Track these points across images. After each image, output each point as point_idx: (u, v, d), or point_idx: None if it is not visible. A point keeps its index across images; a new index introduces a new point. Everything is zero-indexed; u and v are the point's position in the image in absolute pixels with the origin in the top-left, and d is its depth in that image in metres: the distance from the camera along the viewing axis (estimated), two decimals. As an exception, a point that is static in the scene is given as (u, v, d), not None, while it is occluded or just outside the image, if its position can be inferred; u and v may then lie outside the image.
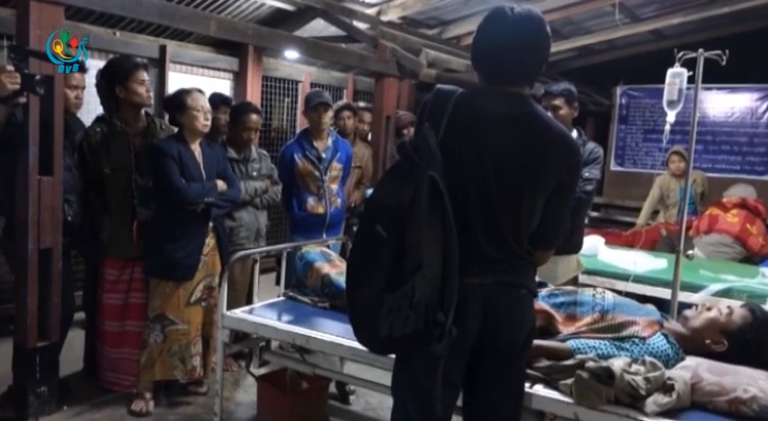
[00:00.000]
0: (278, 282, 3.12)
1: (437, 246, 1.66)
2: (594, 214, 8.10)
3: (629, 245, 5.09)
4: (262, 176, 3.66)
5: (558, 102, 3.07)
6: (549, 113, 3.10)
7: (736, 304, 2.23)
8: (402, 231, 1.68)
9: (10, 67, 2.44)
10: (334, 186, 4.01)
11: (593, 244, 4.29)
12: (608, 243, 4.60)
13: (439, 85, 1.86)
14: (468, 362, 1.83)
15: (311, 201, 3.92)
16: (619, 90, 8.23)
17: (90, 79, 3.35)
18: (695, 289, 3.64)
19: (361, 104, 5.48)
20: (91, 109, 3.68)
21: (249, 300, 3.27)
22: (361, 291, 1.76)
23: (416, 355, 1.78)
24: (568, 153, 1.83)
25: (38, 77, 2.47)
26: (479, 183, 1.75)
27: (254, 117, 3.57)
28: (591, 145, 3.18)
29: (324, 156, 3.92)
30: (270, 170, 3.75)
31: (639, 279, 3.79)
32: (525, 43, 1.78)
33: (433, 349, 1.67)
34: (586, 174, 3.05)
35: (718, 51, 2.95)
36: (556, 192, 1.81)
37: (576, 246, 3.23)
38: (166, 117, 3.20)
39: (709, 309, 2.17)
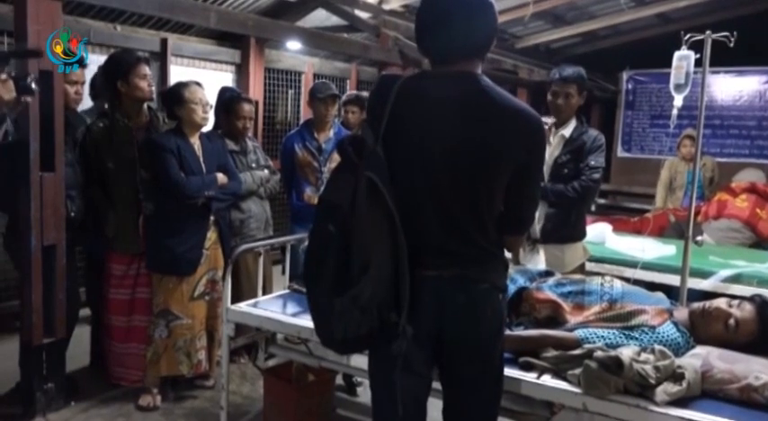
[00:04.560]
0: (284, 272, 3.10)
1: (385, 245, 1.58)
2: (601, 201, 8.05)
3: (637, 231, 5.05)
4: (261, 167, 3.68)
5: (571, 90, 3.00)
6: (560, 100, 3.05)
7: (746, 306, 2.06)
8: (350, 231, 1.60)
9: (3, 76, 2.32)
10: None
11: (600, 231, 4.25)
12: (615, 230, 4.56)
13: (383, 73, 1.79)
14: (440, 361, 1.77)
15: (308, 191, 3.92)
16: (625, 75, 8.15)
17: (90, 74, 3.33)
18: (705, 275, 3.59)
19: (365, 94, 5.44)
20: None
21: (266, 291, 3.24)
22: (314, 291, 1.70)
23: (378, 352, 1.74)
24: (526, 131, 1.67)
25: (30, 77, 2.40)
26: (427, 171, 1.65)
27: (246, 106, 3.57)
28: (593, 132, 3.10)
29: (324, 147, 3.92)
30: (266, 160, 3.76)
31: (648, 266, 3.72)
32: (468, 14, 1.65)
33: (392, 349, 1.62)
34: (593, 163, 3.00)
35: (726, 33, 2.89)
36: (517, 174, 1.68)
37: (581, 234, 3.19)
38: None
39: (715, 316, 2.05)
